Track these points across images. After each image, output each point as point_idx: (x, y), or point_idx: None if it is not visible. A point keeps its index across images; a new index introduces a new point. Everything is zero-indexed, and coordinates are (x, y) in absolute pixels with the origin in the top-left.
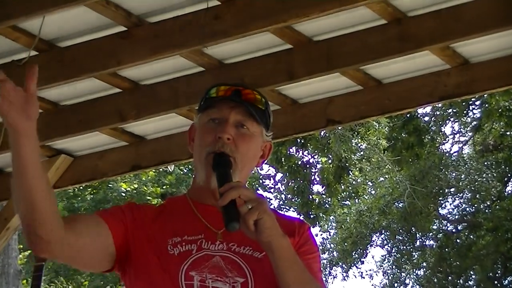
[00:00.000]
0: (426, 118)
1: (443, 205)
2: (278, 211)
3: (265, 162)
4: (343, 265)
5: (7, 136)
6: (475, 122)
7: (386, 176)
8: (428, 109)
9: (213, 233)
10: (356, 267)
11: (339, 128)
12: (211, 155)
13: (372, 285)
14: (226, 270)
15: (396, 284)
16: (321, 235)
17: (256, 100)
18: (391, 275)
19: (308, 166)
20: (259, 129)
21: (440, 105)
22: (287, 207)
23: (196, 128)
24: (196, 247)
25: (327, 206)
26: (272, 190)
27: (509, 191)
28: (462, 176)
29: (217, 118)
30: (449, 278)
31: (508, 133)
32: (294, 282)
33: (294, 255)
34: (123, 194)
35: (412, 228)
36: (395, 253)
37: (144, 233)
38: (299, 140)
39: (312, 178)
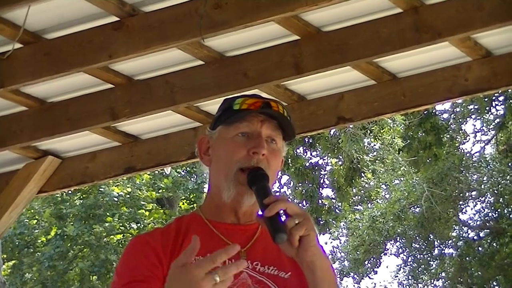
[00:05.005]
0: (445, 116)
1: (463, 210)
2: None
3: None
4: (355, 276)
5: None
6: (498, 120)
7: (402, 179)
8: (447, 105)
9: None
10: (369, 277)
11: (351, 126)
12: (241, 172)
13: None
14: None
15: None
16: (331, 243)
17: (285, 114)
18: (407, 286)
19: (316, 168)
20: (282, 143)
21: (460, 101)
22: None
23: (212, 141)
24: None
25: (338, 211)
26: (277, 194)
27: None
28: (484, 179)
29: (247, 132)
30: None
31: None
32: None
33: (334, 277)
34: (115, 199)
35: (430, 235)
36: (411, 262)
37: (168, 259)
38: (307, 140)
39: (321, 181)
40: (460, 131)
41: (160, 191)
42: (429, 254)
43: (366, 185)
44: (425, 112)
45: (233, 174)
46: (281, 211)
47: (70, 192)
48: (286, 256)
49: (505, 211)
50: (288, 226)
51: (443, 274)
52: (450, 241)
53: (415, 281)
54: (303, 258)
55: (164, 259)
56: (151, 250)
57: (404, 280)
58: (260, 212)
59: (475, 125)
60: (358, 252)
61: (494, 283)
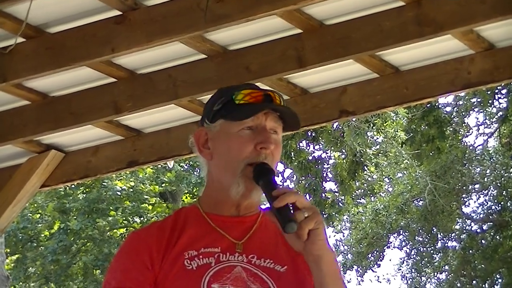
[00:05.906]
0: (448, 109)
1: (466, 203)
2: None
3: None
4: (358, 269)
5: None
6: (501, 113)
7: (405, 172)
8: (450, 98)
9: (232, 244)
10: (372, 270)
11: (354, 119)
12: (249, 167)
13: None
14: (249, 281)
15: None
16: (334, 236)
17: (285, 104)
18: (410, 279)
19: (320, 161)
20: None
21: (463, 94)
22: None
23: (212, 134)
24: (214, 260)
25: (341, 205)
26: (286, 186)
27: None
28: (487, 171)
29: (252, 126)
30: (474, 282)
31: None
32: None
33: (340, 272)
34: (119, 193)
35: (433, 228)
36: (414, 256)
37: (161, 257)
38: (310, 133)
39: (324, 174)
40: (463, 124)
41: (163, 185)
42: (432, 247)
43: (369, 179)
44: (428, 105)
45: (240, 171)
46: (290, 205)
47: (73, 186)
48: (283, 249)
49: (508, 204)
50: (297, 219)
51: (446, 267)
52: (453, 234)
53: (418, 274)
54: (310, 252)
55: (157, 258)
56: (145, 249)
57: (407, 273)
58: (267, 205)
59: (478, 118)
60: (361, 245)
61: (497, 276)
